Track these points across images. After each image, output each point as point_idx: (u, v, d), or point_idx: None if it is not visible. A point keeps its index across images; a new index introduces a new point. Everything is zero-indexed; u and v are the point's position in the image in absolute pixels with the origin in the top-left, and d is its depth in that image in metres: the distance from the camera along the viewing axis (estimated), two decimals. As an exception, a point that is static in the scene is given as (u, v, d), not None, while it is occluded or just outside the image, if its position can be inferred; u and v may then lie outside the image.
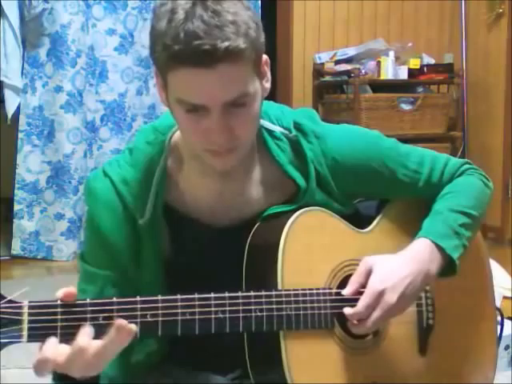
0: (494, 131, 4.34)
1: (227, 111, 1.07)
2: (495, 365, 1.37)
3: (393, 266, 1.17)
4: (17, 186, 3.92)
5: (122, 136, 4.08)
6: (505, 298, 2.85)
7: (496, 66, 4.32)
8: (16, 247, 3.96)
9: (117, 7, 4.01)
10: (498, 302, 1.45)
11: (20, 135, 3.90)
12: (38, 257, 3.96)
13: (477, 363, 1.34)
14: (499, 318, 1.44)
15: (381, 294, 1.14)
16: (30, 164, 3.92)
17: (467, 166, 1.35)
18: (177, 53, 1.03)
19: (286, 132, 1.24)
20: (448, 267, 1.22)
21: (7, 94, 3.85)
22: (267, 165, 1.24)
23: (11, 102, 3.84)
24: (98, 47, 3.99)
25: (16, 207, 3.93)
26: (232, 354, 1.17)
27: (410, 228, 1.28)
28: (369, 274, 1.17)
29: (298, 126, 1.25)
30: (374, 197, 1.35)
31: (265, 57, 1.15)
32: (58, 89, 3.86)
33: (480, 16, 4.41)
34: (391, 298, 1.14)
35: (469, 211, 1.26)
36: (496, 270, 3.04)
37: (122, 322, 0.98)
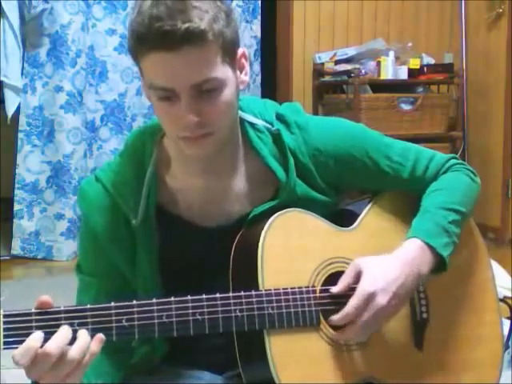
0: (494, 131, 4.34)
1: (196, 96, 1.10)
2: (501, 360, 1.33)
3: (384, 268, 1.16)
4: (17, 186, 3.91)
5: (122, 136, 4.07)
6: (505, 297, 2.85)
7: (496, 65, 4.32)
8: (16, 247, 3.95)
9: (117, 7, 4.01)
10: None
11: (20, 135, 3.89)
12: (38, 257, 3.95)
13: (480, 355, 1.32)
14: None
15: (371, 296, 1.13)
16: (30, 164, 3.92)
17: (453, 161, 1.34)
18: (141, 36, 1.07)
19: (269, 126, 1.25)
20: (438, 265, 1.22)
21: (7, 94, 3.84)
22: (251, 160, 1.25)
23: (11, 102, 3.84)
24: (98, 47, 3.99)
25: (16, 207, 3.92)
26: (230, 352, 1.17)
27: (394, 225, 1.29)
28: (358, 275, 1.16)
29: (280, 117, 1.26)
30: (358, 189, 1.36)
31: (242, 50, 1.17)
32: (58, 89, 3.86)
33: (480, 16, 4.41)
34: (382, 299, 1.13)
35: (457, 208, 1.26)
36: (496, 270, 3.04)
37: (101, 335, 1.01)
